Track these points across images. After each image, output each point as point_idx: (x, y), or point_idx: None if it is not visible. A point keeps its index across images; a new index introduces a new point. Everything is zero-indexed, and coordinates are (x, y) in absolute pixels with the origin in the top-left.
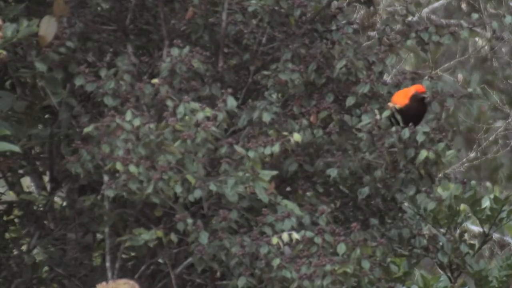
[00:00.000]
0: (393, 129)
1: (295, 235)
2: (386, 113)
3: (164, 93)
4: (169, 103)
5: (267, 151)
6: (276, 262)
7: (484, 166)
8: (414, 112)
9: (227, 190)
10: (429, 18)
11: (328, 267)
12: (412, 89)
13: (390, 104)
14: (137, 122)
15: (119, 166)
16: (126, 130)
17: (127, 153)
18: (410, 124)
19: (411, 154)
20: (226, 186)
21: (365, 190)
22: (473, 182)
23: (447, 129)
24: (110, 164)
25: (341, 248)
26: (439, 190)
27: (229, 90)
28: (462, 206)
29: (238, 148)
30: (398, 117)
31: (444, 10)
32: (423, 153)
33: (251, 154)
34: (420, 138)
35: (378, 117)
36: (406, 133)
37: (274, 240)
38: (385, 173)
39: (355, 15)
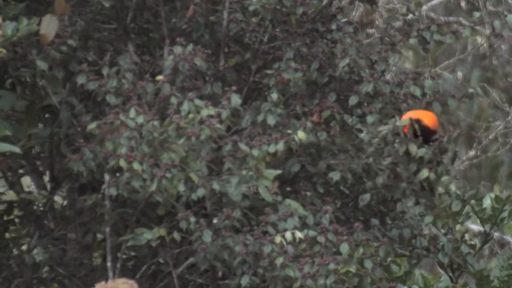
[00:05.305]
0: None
1: (298, 234)
2: (404, 122)
3: (168, 90)
4: (173, 100)
5: (271, 149)
6: (279, 261)
7: (484, 165)
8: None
9: (230, 189)
10: (428, 16)
11: (332, 266)
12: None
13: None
14: (140, 119)
15: (122, 163)
16: (130, 128)
17: (131, 151)
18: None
19: (413, 169)
20: (230, 185)
21: (366, 197)
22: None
23: (450, 131)
24: (113, 162)
25: (344, 248)
26: (440, 189)
27: (233, 88)
28: (467, 208)
29: (242, 146)
30: (416, 126)
31: (444, 7)
32: (424, 173)
33: (255, 152)
34: (421, 153)
35: (398, 123)
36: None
37: (278, 239)
38: (387, 180)
39: (354, 13)
